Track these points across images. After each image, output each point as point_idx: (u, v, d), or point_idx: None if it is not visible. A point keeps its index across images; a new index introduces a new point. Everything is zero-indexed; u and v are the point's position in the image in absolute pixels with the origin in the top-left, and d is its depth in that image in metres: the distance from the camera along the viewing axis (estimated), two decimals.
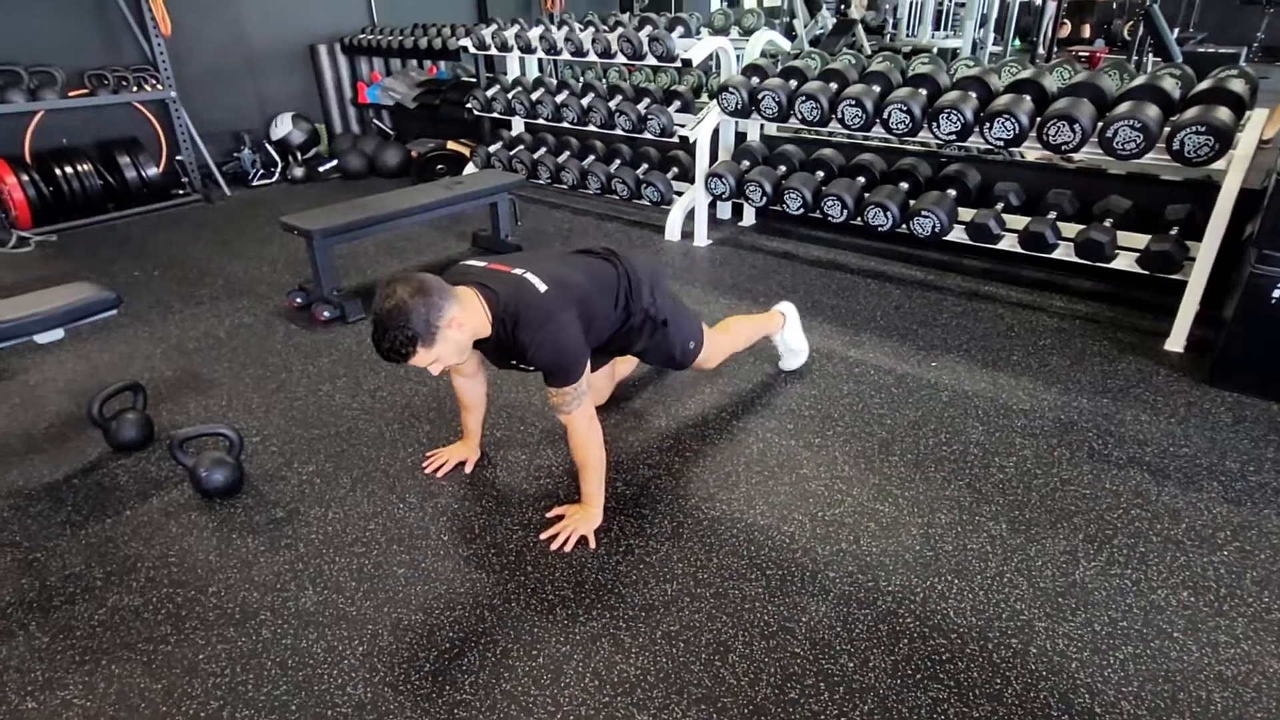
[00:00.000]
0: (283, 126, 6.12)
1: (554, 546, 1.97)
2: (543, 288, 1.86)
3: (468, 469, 2.32)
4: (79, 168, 4.91)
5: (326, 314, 3.36)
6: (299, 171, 6.03)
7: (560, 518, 2.06)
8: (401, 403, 2.70)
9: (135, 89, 5.22)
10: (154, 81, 5.31)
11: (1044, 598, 1.77)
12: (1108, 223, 3.08)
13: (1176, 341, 2.92)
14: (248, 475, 2.30)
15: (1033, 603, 1.76)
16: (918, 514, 2.07)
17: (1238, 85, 2.76)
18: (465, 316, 1.77)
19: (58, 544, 2.05)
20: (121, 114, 5.32)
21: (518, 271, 1.90)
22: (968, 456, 2.31)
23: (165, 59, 5.29)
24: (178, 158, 5.53)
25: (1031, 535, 1.97)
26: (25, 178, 4.70)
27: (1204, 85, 2.85)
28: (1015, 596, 1.78)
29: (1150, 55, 6.31)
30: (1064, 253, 3.10)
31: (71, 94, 4.98)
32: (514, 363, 1.94)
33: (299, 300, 3.50)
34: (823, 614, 1.75)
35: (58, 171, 4.83)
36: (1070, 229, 3.14)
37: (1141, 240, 3.00)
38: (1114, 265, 3.02)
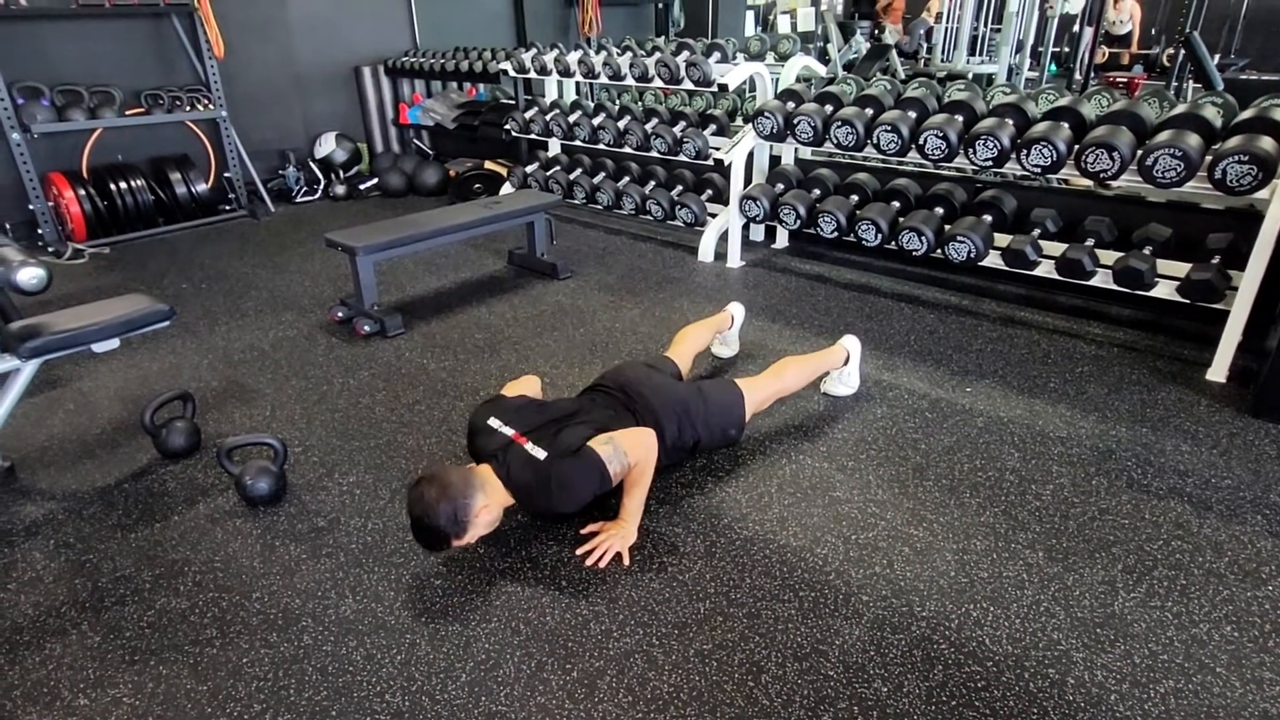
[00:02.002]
0: (326, 145, 6.29)
1: (589, 562, 2.00)
2: (541, 455, 1.96)
3: None
4: (132, 183, 5.10)
5: (367, 328, 3.44)
6: (341, 189, 6.20)
7: (596, 534, 2.09)
8: (439, 417, 2.75)
9: (188, 108, 5.41)
10: (206, 101, 5.49)
11: (1082, 628, 1.76)
12: (1147, 250, 3.05)
13: (1218, 371, 2.88)
14: (290, 484, 2.36)
15: (1070, 633, 1.75)
16: (952, 540, 2.06)
17: None
18: (491, 498, 1.93)
19: (109, 546, 2.12)
20: (174, 132, 5.52)
21: (521, 443, 2.01)
22: (1003, 483, 2.30)
23: (217, 80, 5.48)
24: (226, 174, 5.71)
25: (1069, 564, 1.96)
26: (82, 192, 4.89)
27: (1247, 114, 2.83)
28: (1052, 626, 1.77)
29: (1190, 82, 6.25)
30: (1102, 280, 3.08)
31: (128, 113, 5.17)
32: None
33: (340, 314, 3.58)
34: (856, 637, 1.75)
35: (112, 186, 5.02)
36: (1109, 256, 3.11)
37: (1182, 268, 2.96)
38: (1154, 293, 2.98)
